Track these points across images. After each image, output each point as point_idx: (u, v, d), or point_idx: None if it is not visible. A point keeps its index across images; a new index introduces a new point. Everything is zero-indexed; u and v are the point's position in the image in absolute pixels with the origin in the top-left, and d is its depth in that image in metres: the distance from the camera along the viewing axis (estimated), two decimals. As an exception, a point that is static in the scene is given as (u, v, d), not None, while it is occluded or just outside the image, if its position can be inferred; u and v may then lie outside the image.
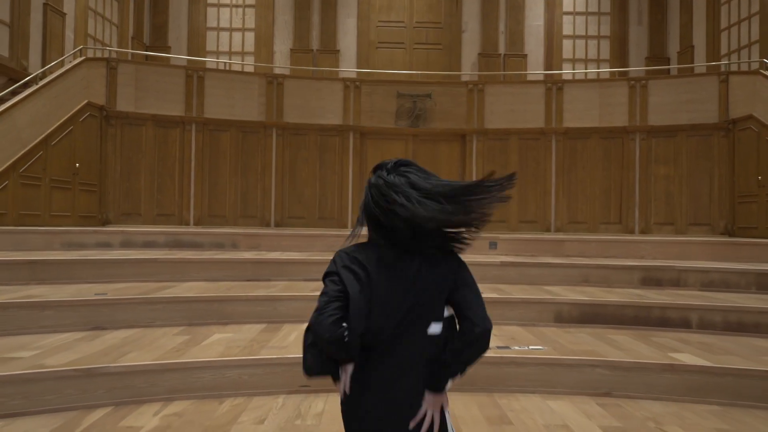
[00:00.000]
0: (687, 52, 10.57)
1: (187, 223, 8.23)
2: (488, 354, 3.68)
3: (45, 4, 8.12)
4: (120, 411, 3.14)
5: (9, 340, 3.79)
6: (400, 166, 1.46)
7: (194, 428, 2.94)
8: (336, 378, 1.46)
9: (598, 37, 11.61)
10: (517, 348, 3.86)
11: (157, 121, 8.14)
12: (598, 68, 11.37)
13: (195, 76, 8.33)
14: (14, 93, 6.69)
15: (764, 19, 8.69)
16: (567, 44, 11.58)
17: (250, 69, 10.55)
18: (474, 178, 8.65)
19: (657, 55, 11.28)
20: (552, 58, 11.41)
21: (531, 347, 3.89)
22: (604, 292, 5.17)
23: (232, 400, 3.38)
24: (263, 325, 4.47)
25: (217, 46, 11.41)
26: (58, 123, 6.89)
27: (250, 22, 11.45)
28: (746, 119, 7.66)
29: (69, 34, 8.80)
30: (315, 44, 11.30)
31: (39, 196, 6.58)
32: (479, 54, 11.31)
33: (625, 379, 3.57)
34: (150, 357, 3.47)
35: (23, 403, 3.03)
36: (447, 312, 1.44)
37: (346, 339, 1.36)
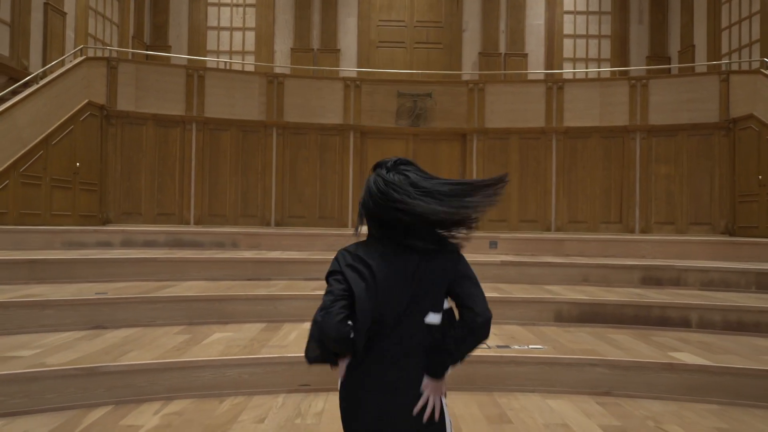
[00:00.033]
0: (688, 51, 10.56)
1: (188, 223, 8.23)
2: (488, 353, 3.70)
3: (45, 4, 8.13)
4: (120, 410, 3.15)
5: (9, 339, 3.80)
6: (399, 164, 1.49)
7: (194, 427, 2.94)
8: (334, 365, 1.49)
9: (599, 37, 11.60)
10: (516, 347, 3.87)
11: (158, 120, 8.15)
12: (599, 67, 11.36)
13: (195, 76, 8.33)
14: (15, 92, 6.70)
15: (765, 19, 8.67)
16: (568, 43, 11.57)
17: (250, 68, 10.55)
18: (474, 177, 8.69)
19: (658, 54, 11.27)
20: (553, 57, 11.40)
21: (531, 346, 3.90)
22: (604, 292, 5.18)
23: (232, 399, 3.38)
24: (263, 324, 4.48)
25: (218, 46, 11.41)
26: (59, 122, 6.89)
27: (251, 22, 11.45)
28: (747, 118, 7.65)
29: (69, 34, 8.80)
30: (315, 43, 11.30)
31: (39, 195, 6.59)
32: (480, 53, 11.30)
33: (624, 378, 3.57)
34: (150, 356, 3.48)
35: (24, 402, 3.04)
36: (446, 304, 1.47)
37: (352, 336, 1.39)
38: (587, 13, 11.61)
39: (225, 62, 10.71)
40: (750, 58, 8.91)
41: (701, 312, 4.58)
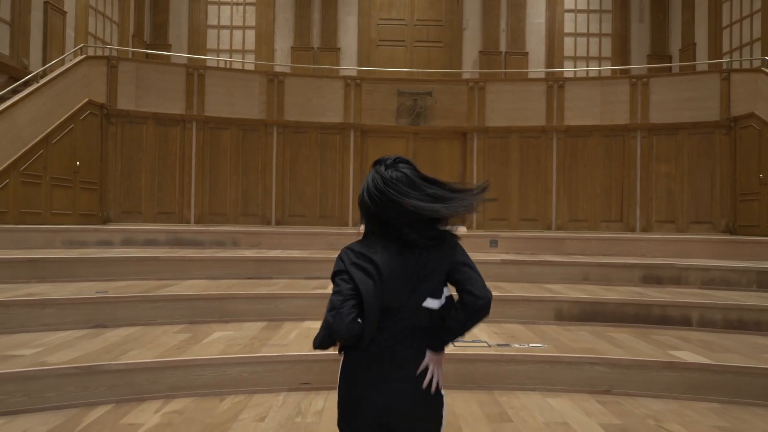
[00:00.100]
0: (689, 49, 10.54)
1: (188, 221, 8.24)
2: (488, 352, 3.70)
3: (45, 3, 8.12)
4: (121, 408, 3.15)
5: (10, 338, 3.81)
6: (398, 162, 1.55)
7: (195, 426, 2.94)
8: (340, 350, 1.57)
9: (600, 35, 11.59)
10: (517, 346, 3.87)
11: (158, 119, 8.15)
12: (600, 66, 11.35)
13: (195, 74, 8.33)
14: (15, 91, 6.70)
15: (766, 17, 8.66)
16: (568, 42, 11.55)
17: (250, 67, 10.54)
18: (475, 176, 8.71)
19: (658, 52, 11.25)
20: (553, 55, 11.38)
21: (531, 345, 3.89)
22: (605, 290, 5.17)
23: (232, 397, 3.39)
24: (264, 323, 4.48)
25: (218, 44, 11.40)
26: (59, 121, 6.89)
27: (251, 20, 11.44)
28: (748, 117, 7.64)
29: (70, 33, 8.80)
30: (316, 42, 11.29)
31: (40, 194, 6.59)
32: (480, 52, 11.29)
33: (625, 376, 3.57)
34: (151, 355, 3.48)
35: (24, 400, 3.04)
36: (447, 291, 1.53)
37: (362, 333, 1.45)
38: (588, 11, 11.59)
39: (225, 61, 10.71)
40: (751, 56, 8.89)
41: (702, 311, 4.58)
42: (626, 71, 10.54)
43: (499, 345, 3.88)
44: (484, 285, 1.50)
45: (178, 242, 6.40)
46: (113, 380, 3.25)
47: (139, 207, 8.02)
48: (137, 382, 3.30)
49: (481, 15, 11.39)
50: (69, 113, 7.07)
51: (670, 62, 10.93)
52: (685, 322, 4.58)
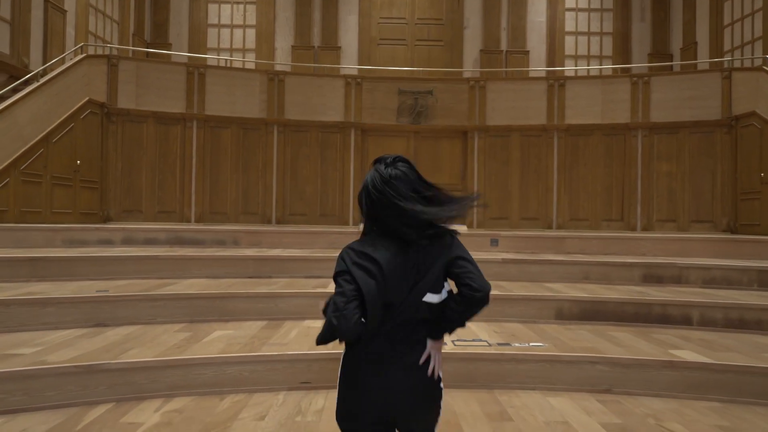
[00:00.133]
0: (690, 48, 10.52)
1: (189, 220, 8.24)
2: (489, 351, 3.69)
3: (46, 1, 8.12)
4: (121, 407, 3.15)
5: (10, 337, 3.81)
6: (398, 161, 1.56)
7: (195, 424, 2.94)
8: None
9: (601, 34, 11.56)
10: (517, 345, 3.86)
11: (158, 118, 8.15)
12: (601, 65, 11.33)
13: (196, 73, 8.32)
14: (15, 90, 6.70)
15: (767, 16, 8.63)
16: (569, 41, 11.53)
17: (251, 66, 10.54)
18: (475, 175, 8.71)
19: (660, 51, 11.22)
20: (554, 54, 11.37)
21: (531, 344, 3.89)
22: (605, 289, 5.17)
23: (232, 396, 3.39)
24: (264, 322, 4.48)
25: (218, 43, 11.39)
26: (59, 120, 6.89)
27: (251, 19, 11.43)
28: (749, 116, 7.63)
29: (70, 31, 8.80)
30: (316, 41, 11.28)
31: (40, 193, 6.59)
32: (481, 50, 11.27)
33: (625, 375, 3.56)
34: (151, 354, 3.48)
35: (24, 399, 3.04)
36: (447, 286, 1.56)
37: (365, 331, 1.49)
38: (589, 10, 11.57)
39: (225, 60, 10.70)
40: (752, 55, 8.87)
41: (702, 310, 4.57)
42: (627, 70, 10.51)
43: (499, 344, 3.87)
44: (483, 278, 1.52)
45: (179, 241, 6.40)
46: (113, 379, 3.25)
47: (139, 206, 8.03)
48: (137, 381, 3.30)
49: (481, 13, 11.37)
50: (69, 112, 7.07)
51: (671, 61, 10.91)
52: (685, 322, 4.57)
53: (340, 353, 1.63)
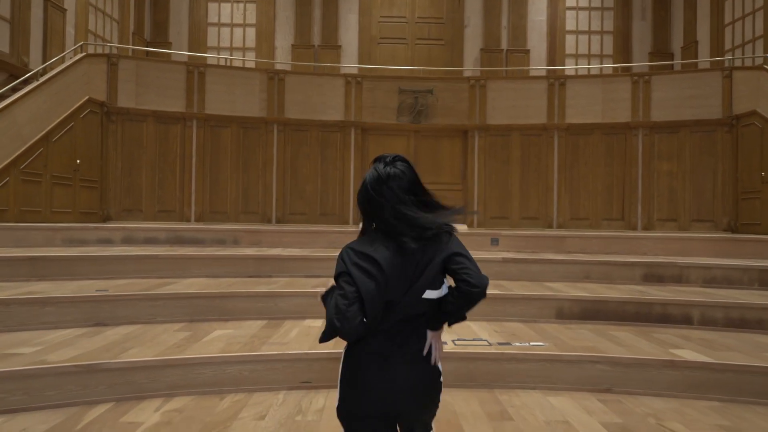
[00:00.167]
0: (691, 47, 10.51)
1: (188, 220, 8.23)
2: (489, 350, 3.69)
3: (46, 0, 8.11)
4: (121, 407, 3.15)
5: (10, 336, 3.80)
6: (397, 160, 1.58)
7: (195, 424, 2.94)
8: None
9: (601, 33, 11.55)
10: (518, 344, 3.86)
11: (158, 117, 8.14)
12: (601, 64, 11.31)
13: (196, 72, 8.31)
14: (15, 89, 6.69)
15: (768, 14, 8.62)
16: (570, 39, 11.52)
17: (251, 65, 10.53)
18: (476, 174, 8.71)
19: (660, 50, 11.21)
20: (555, 53, 11.35)
21: (532, 343, 3.88)
22: (606, 289, 5.16)
23: (232, 396, 3.38)
24: (264, 321, 4.47)
25: (218, 42, 11.38)
26: (59, 119, 6.89)
27: (251, 18, 11.42)
28: (750, 115, 7.62)
29: (70, 30, 8.79)
30: (316, 40, 11.27)
31: (40, 192, 6.59)
32: (481, 49, 11.26)
33: (625, 375, 3.56)
34: (151, 353, 3.47)
35: (24, 399, 3.04)
36: (446, 281, 1.58)
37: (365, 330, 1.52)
38: (589, 9, 11.56)
39: (225, 59, 10.69)
40: (753, 54, 8.86)
41: (703, 309, 4.57)
42: (628, 69, 10.50)
43: (499, 343, 3.87)
44: (480, 272, 1.53)
45: (179, 240, 6.39)
46: (113, 378, 3.25)
47: (139, 205, 8.02)
48: (137, 381, 3.29)
49: (482, 12, 11.35)
50: (69, 111, 7.07)
51: (672, 60, 10.89)
52: (686, 321, 4.56)
53: (340, 352, 1.62)
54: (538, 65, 11.12)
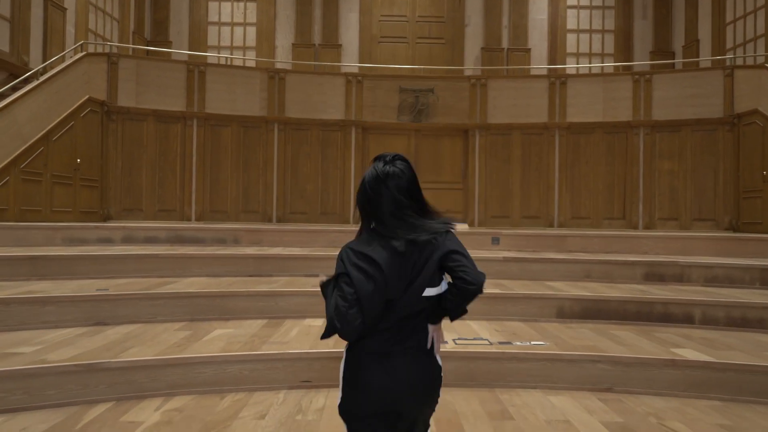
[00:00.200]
0: (692, 46, 10.48)
1: (189, 219, 8.23)
2: (490, 349, 3.68)
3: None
4: (121, 406, 3.15)
5: (10, 336, 3.80)
6: (396, 159, 1.58)
7: (195, 423, 2.94)
8: None
9: (603, 32, 11.53)
10: (518, 343, 3.85)
11: (159, 116, 8.13)
12: (602, 62, 11.29)
13: (196, 71, 8.30)
14: (15, 88, 6.69)
15: (770, 12, 8.60)
16: (571, 38, 11.50)
17: (251, 64, 10.53)
18: (476, 173, 8.70)
19: (662, 49, 11.19)
20: (556, 52, 11.33)
21: (533, 343, 3.88)
22: (607, 288, 5.15)
23: (233, 395, 3.38)
24: (265, 321, 4.47)
25: (219, 41, 11.38)
26: (59, 118, 6.88)
27: (252, 17, 11.41)
28: (751, 114, 7.60)
29: (70, 29, 8.78)
30: (317, 39, 11.26)
31: (40, 191, 6.58)
32: (482, 48, 11.24)
33: (626, 374, 3.55)
34: (151, 352, 3.47)
35: (24, 398, 3.04)
36: (445, 278, 1.59)
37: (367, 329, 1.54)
38: (591, 7, 11.54)
39: (226, 58, 10.68)
40: (755, 52, 8.84)
41: (704, 308, 4.56)
42: (629, 68, 10.48)
43: (500, 343, 3.86)
44: (476, 270, 1.54)
45: (179, 240, 6.39)
46: (113, 378, 3.24)
47: (139, 204, 8.02)
48: (137, 380, 3.29)
49: (483, 11, 11.34)
50: (69, 110, 7.06)
51: (673, 59, 10.87)
52: (687, 320, 4.56)
53: (341, 352, 1.62)
54: (539, 64, 11.10)
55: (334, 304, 1.49)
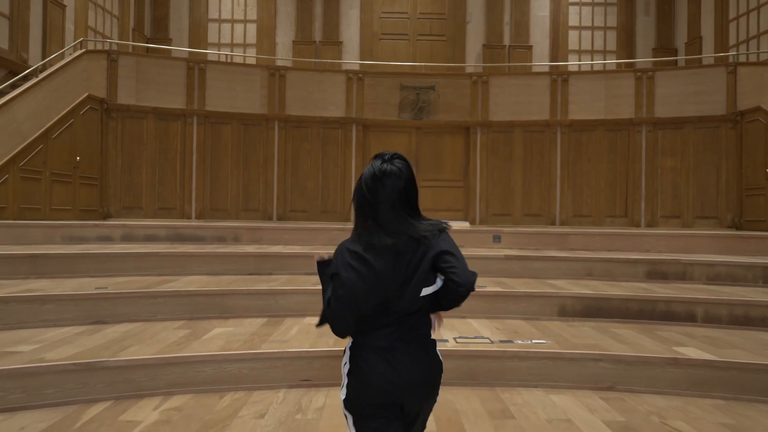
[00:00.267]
0: (695, 43, 10.43)
1: (189, 217, 8.22)
2: (491, 348, 3.66)
3: (45, -4, 8.09)
4: (120, 405, 3.13)
5: (9, 334, 3.79)
6: (395, 158, 1.58)
7: (194, 422, 2.92)
8: None
9: (605, 28, 11.48)
10: (520, 342, 3.83)
11: (158, 113, 8.11)
12: (605, 59, 11.24)
13: (196, 68, 8.28)
14: (14, 86, 6.67)
15: (773, 9, 8.55)
16: (573, 35, 11.45)
17: (252, 61, 10.49)
18: (477, 171, 8.67)
19: (664, 46, 11.14)
20: (557, 49, 11.29)
21: (534, 341, 3.85)
22: (609, 286, 5.13)
23: (232, 394, 3.36)
24: (264, 319, 4.45)
25: (219, 38, 11.35)
26: (59, 116, 6.86)
27: (252, 14, 11.38)
28: (754, 111, 7.55)
29: (69, 26, 8.76)
30: (317, 36, 11.22)
31: (39, 189, 6.57)
32: (484, 45, 11.20)
33: (628, 373, 3.53)
34: (150, 351, 3.45)
35: (23, 397, 3.02)
36: (440, 277, 1.59)
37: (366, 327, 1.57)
38: (593, 4, 11.48)
39: (226, 55, 10.65)
40: (758, 49, 8.79)
41: (707, 306, 4.53)
42: (631, 65, 10.44)
43: (501, 341, 3.84)
44: (467, 271, 1.54)
45: (179, 238, 6.37)
46: (112, 377, 3.23)
47: (139, 202, 8.00)
48: (136, 379, 3.27)
49: (484, 8, 11.29)
50: (69, 108, 7.04)
51: (676, 56, 10.82)
52: (690, 318, 4.53)
53: (341, 350, 1.61)
54: (541, 61, 11.06)
55: (329, 299, 1.52)
